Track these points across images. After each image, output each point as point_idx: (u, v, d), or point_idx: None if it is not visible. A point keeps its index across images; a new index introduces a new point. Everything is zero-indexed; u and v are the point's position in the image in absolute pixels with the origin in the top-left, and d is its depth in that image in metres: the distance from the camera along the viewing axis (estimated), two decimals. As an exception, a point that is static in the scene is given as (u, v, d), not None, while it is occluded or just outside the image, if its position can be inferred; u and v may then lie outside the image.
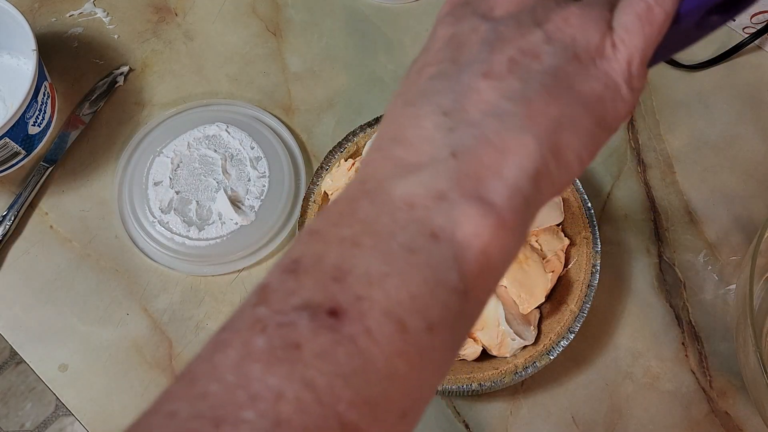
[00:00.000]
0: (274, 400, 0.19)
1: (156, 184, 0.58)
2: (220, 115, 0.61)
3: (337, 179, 0.54)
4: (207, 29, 0.67)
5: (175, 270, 0.56)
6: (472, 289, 0.22)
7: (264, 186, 0.58)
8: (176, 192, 0.57)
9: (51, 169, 0.59)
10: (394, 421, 0.21)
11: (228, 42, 0.66)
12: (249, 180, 0.58)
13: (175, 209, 0.57)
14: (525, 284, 0.49)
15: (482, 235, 0.22)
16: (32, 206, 0.58)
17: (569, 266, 0.53)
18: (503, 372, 0.48)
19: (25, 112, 0.55)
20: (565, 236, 0.53)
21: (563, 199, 0.54)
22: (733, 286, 0.56)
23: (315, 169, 0.55)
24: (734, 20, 0.67)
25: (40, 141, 0.59)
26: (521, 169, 0.23)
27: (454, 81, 0.24)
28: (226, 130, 0.60)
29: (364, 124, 0.57)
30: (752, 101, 0.65)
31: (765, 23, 0.64)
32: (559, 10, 0.26)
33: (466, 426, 0.52)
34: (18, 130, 0.55)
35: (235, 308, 0.23)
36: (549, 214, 0.53)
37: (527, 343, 0.50)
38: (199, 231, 0.56)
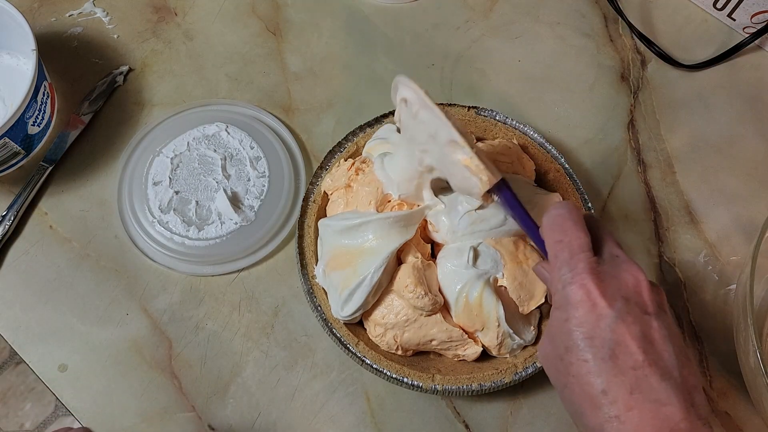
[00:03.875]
0: None
1: (155, 183, 0.58)
2: (219, 115, 0.61)
3: (336, 179, 0.54)
4: (207, 29, 0.67)
5: (174, 270, 0.56)
6: None
7: (264, 186, 0.58)
8: (176, 192, 0.57)
9: (51, 169, 0.59)
10: None
11: (228, 42, 0.66)
12: (249, 180, 0.58)
13: (174, 209, 0.57)
14: (525, 284, 0.49)
15: None
16: (32, 206, 0.58)
17: (569, 266, 0.53)
18: (503, 372, 0.48)
19: (24, 112, 0.55)
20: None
21: (564, 199, 0.54)
22: (733, 286, 0.56)
23: (315, 169, 0.55)
24: (734, 20, 0.67)
25: (39, 141, 0.59)
26: None
27: (674, 380, 0.34)
28: (226, 130, 0.60)
29: (364, 124, 0.57)
30: (752, 101, 0.65)
31: (765, 23, 0.64)
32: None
33: (466, 426, 0.52)
34: (18, 130, 0.55)
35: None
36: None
37: (527, 343, 0.50)
38: (199, 231, 0.56)
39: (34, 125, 0.57)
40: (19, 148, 0.57)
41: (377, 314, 0.49)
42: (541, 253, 0.42)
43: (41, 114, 0.58)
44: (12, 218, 0.56)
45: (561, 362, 0.36)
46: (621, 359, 0.34)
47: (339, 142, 0.56)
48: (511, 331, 0.48)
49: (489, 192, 0.42)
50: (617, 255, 0.38)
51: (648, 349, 0.35)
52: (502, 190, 0.43)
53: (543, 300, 0.50)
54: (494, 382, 0.48)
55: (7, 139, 0.55)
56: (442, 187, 0.52)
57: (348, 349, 0.49)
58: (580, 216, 0.39)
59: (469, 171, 0.42)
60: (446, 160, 0.44)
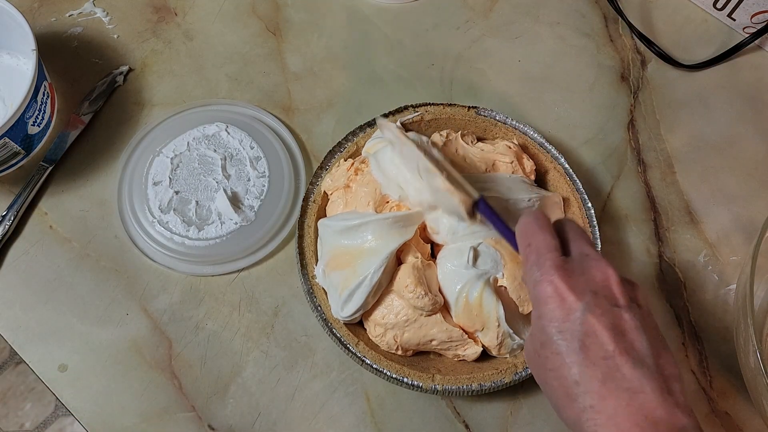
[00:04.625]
0: None
1: (155, 183, 0.58)
2: (219, 115, 0.61)
3: (336, 179, 0.54)
4: (207, 29, 0.67)
5: (174, 270, 0.56)
6: None
7: (264, 186, 0.58)
8: (176, 192, 0.57)
9: (51, 169, 0.59)
10: None
11: (228, 42, 0.66)
12: (249, 180, 0.58)
13: (174, 209, 0.57)
14: (525, 284, 0.49)
15: None
16: (32, 206, 0.58)
17: (569, 266, 0.53)
18: (503, 372, 0.48)
19: (24, 112, 0.55)
20: (565, 236, 0.53)
21: (563, 199, 0.54)
22: (733, 286, 0.56)
23: (315, 169, 0.55)
24: (734, 20, 0.67)
25: (39, 141, 0.59)
26: None
27: (648, 368, 0.35)
28: (226, 130, 0.60)
29: (364, 124, 0.57)
30: (752, 101, 0.65)
31: (765, 23, 0.64)
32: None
33: (466, 426, 0.52)
34: (18, 130, 0.55)
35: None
36: (549, 214, 0.53)
37: (527, 343, 0.50)
38: (199, 231, 0.56)
39: (34, 125, 0.57)
40: (19, 148, 0.57)
41: (377, 314, 0.49)
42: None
43: (41, 114, 0.58)
44: (12, 218, 0.56)
45: (539, 358, 0.37)
46: (591, 350, 0.35)
47: (339, 142, 0.56)
48: (511, 331, 0.48)
49: (473, 211, 0.44)
50: (587, 253, 0.39)
51: (619, 339, 0.35)
52: (481, 208, 0.44)
53: (543, 300, 0.50)
54: (494, 382, 0.48)
55: (7, 139, 0.55)
56: None
57: (348, 349, 0.49)
58: (547, 220, 0.41)
59: (449, 194, 0.44)
60: (432, 188, 0.46)
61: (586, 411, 0.35)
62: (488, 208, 0.44)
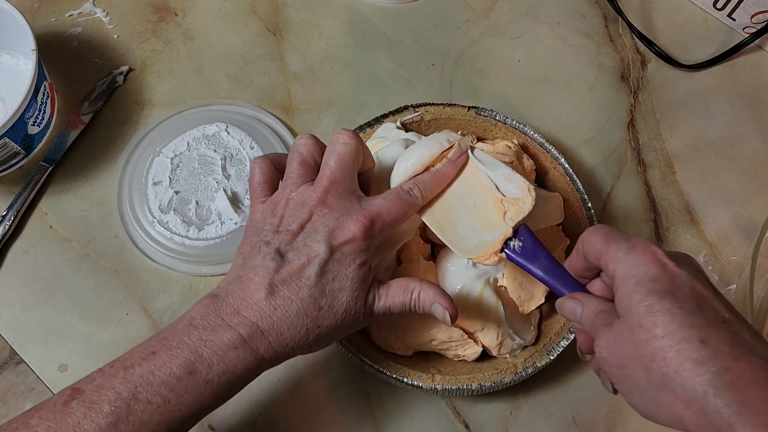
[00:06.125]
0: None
1: (155, 183, 0.58)
2: (219, 115, 0.61)
3: (336, 179, 0.54)
4: (207, 29, 0.67)
5: (174, 270, 0.56)
6: None
7: (264, 186, 0.58)
8: (176, 192, 0.57)
9: (51, 169, 0.59)
10: None
11: (228, 42, 0.66)
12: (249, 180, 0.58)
13: (174, 209, 0.57)
14: (525, 285, 0.49)
15: None
16: (32, 206, 0.58)
17: (569, 266, 0.53)
18: (503, 372, 0.48)
19: (24, 112, 0.55)
20: (566, 236, 0.53)
21: (563, 199, 0.54)
22: (733, 286, 0.56)
23: (315, 169, 0.55)
24: (734, 20, 0.67)
25: (39, 141, 0.59)
26: None
27: (764, 343, 0.33)
28: (226, 130, 0.60)
29: (364, 124, 0.57)
30: (752, 101, 0.65)
31: (765, 23, 0.64)
32: None
33: (466, 426, 0.52)
34: (18, 130, 0.55)
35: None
36: (549, 214, 0.53)
37: (527, 343, 0.50)
38: (199, 231, 0.56)
39: (34, 125, 0.57)
40: (19, 148, 0.57)
41: (377, 314, 0.49)
42: (562, 291, 0.42)
43: (41, 114, 0.58)
44: (12, 218, 0.56)
45: (641, 329, 0.33)
46: (709, 313, 0.33)
47: (339, 142, 0.56)
48: (511, 331, 0.48)
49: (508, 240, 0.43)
50: None
51: (730, 309, 0.33)
52: (522, 230, 0.44)
53: (543, 300, 0.50)
54: (494, 382, 0.48)
55: (7, 139, 0.55)
56: None
57: (348, 349, 0.49)
58: None
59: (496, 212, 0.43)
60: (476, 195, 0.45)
61: (720, 375, 0.30)
62: (531, 232, 0.44)
